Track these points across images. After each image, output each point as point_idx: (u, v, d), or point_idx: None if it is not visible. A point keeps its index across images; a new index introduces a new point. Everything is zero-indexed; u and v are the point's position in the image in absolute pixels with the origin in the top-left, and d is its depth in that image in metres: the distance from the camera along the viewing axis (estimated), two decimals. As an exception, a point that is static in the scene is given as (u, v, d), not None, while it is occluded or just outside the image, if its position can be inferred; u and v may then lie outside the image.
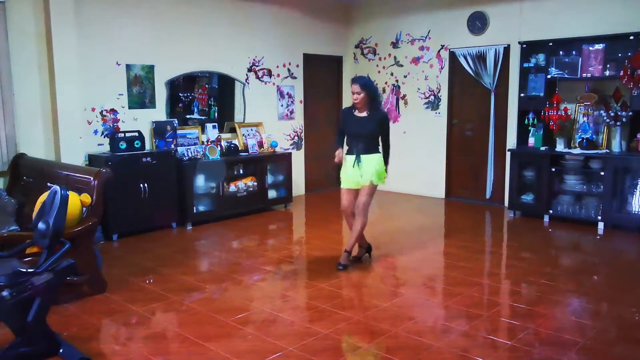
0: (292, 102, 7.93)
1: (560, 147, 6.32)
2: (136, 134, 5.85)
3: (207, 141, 6.67)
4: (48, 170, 4.82)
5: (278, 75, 7.71)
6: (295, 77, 7.94)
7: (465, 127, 7.62)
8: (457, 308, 3.82)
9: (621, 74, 5.76)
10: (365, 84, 4.66)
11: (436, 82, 7.70)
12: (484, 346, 3.25)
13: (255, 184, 6.85)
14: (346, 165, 4.72)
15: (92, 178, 4.14)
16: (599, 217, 5.94)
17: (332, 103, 8.65)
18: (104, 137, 5.90)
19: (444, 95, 7.65)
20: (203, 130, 6.76)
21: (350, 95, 4.66)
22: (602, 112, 6.05)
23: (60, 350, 3.04)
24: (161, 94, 6.38)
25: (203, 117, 7.09)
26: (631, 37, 5.79)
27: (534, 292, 4.12)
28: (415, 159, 8.01)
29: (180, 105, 6.87)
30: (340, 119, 5.02)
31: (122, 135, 5.76)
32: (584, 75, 6.15)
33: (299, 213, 7.20)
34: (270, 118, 7.62)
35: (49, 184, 4.17)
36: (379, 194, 8.48)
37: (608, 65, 6.00)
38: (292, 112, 7.95)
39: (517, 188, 6.56)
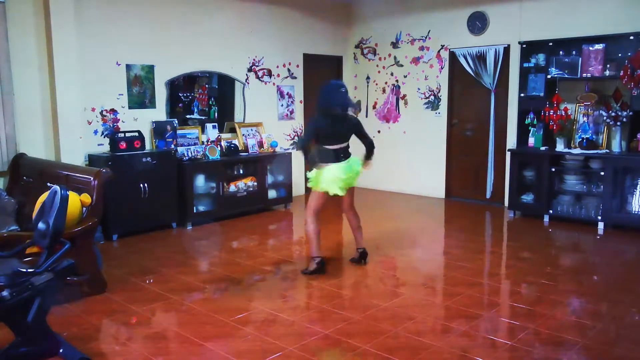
0: (292, 102, 7.93)
1: (560, 147, 6.32)
2: (136, 134, 5.85)
3: (207, 141, 6.67)
4: (48, 170, 4.82)
5: (278, 75, 7.71)
6: (295, 77, 7.94)
7: (465, 127, 7.62)
8: (457, 308, 3.82)
9: (621, 74, 5.75)
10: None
11: (436, 82, 7.70)
12: (484, 346, 3.25)
13: (255, 184, 6.86)
14: (331, 170, 4.41)
15: (92, 178, 4.14)
16: (599, 217, 5.94)
17: (332, 103, 8.63)
18: (104, 137, 5.90)
19: (444, 95, 7.65)
20: (203, 130, 6.76)
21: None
22: (602, 112, 6.04)
23: (60, 350, 3.03)
24: (161, 94, 6.38)
25: (203, 117, 7.09)
26: (631, 37, 5.79)
27: (534, 292, 4.12)
28: (415, 159, 8.01)
29: (180, 105, 6.87)
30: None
31: (122, 135, 5.76)
32: (584, 75, 6.14)
33: (299, 213, 7.19)
34: (270, 118, 7.62)
35: (49, 184, 4.16)
36: (379, 193, 8.52)
37: (608, 65, 5.99)
38: (292, 112, 7.95)
39: (517, 188, 6.56)
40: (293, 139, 8.02)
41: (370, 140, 4.69)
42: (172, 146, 6.28)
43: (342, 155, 4.46)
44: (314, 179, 4.55)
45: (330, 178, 4.40)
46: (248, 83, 7.33)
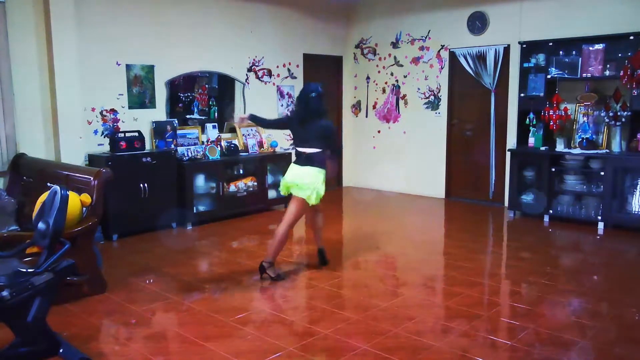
0: (292, 102, 7.92)
1: (560, 147, 6.32)
2: (136, 134, 5.85)
3: (207, 141, 6.67)
4: (48, 170, 4.82)
5: (278, 75, 7.71)
6: (295, 77, 7.94)
7: (465, 127, 7.61)
8: (457, 308, 3.82)
9: (621, 74, 5.75)
10: None
11: (436, 82, 7.70)
12: (484, 346, 3.25)
13: (255, 184, 6.86)
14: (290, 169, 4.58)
15: (92, 178, 4.14)
16: (599, 217, 5.94)
17: (332, 103, 8.63)
18: (104, 137, 5.90)
19: (444, 95, 7.65)
20: (203, 130, 6.76)
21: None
22: (602, 112, 6.04)
23: (60, 350, 3.03)
24: (161, 94, 6.38)
25: (203, 117, 7.09)
26: (631, 37, 5.79)
27: (534, 292, 4.12)
28: (415, 159, 8.01)
29: (180, 105, 6.87)
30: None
31: (122, 135, 5.76)
32: (584, 75, 6.14)
33: (299, 213, 7.18)
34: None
35: (49, 184, 4.17)
36: (380, 193, 8.52)
37: (608, 65, 5.99)
38: (291, 112, 7.94)
39: (517, 188, 6.56)
40: (293, 138, 8.01)
41: (335, 146, 4.67)
42: (172, 146, 6.28)
43: (304, 159, 4.45)
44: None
45: (286, 176, 4.52)
46: (248, 83, 7.33)
